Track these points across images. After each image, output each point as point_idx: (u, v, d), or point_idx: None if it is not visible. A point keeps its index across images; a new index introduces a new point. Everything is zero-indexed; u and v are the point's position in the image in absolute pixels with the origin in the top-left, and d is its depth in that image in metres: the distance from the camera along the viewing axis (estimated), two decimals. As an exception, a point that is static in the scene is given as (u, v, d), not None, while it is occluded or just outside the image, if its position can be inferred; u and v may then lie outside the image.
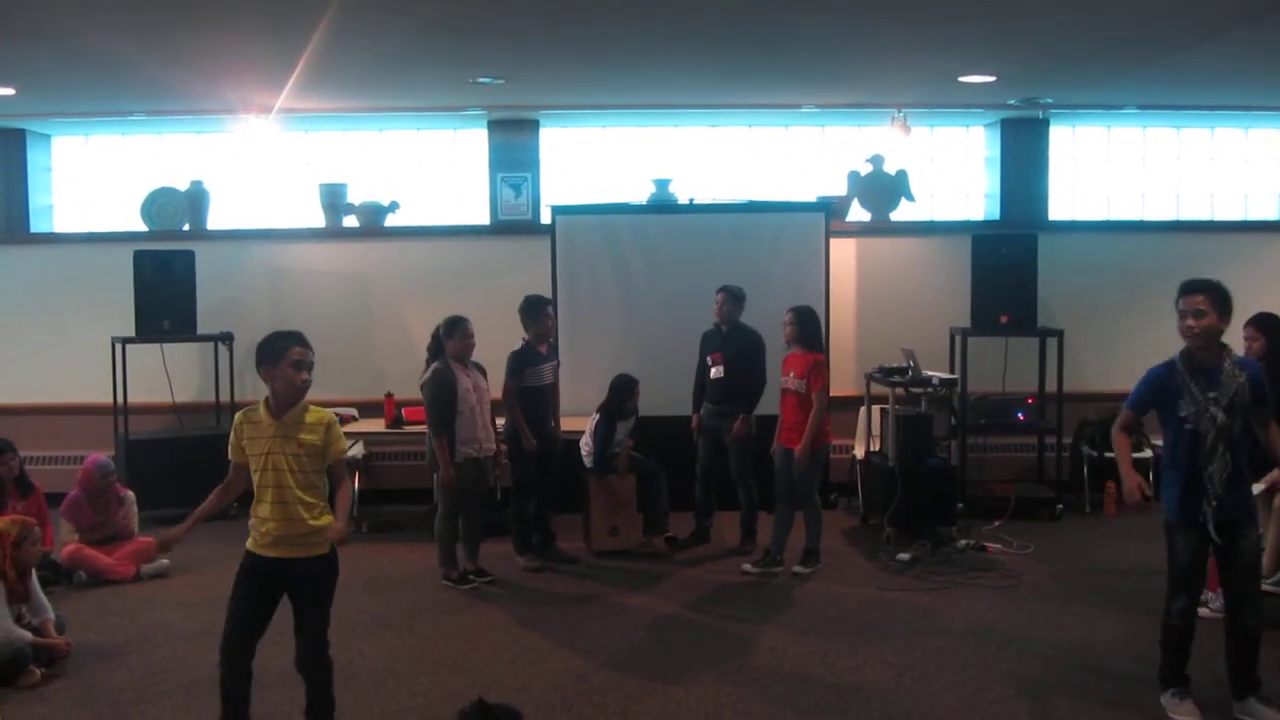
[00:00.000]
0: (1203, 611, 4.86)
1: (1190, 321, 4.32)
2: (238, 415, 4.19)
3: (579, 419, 7.52)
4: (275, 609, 4.16)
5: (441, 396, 6.50)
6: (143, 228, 9.16)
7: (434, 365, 6.61)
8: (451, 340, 6.59)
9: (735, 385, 7.23)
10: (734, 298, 7.30)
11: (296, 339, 4.13)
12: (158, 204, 9.18)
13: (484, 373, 6.80)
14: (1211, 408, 4.29)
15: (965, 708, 4.75)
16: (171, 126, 9.30)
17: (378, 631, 5.85)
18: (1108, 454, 8.52)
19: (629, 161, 9.51)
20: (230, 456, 4.19)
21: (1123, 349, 9.11)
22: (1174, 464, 4.45)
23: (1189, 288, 4.37)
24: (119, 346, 8.30)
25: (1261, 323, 5.96)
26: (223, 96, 7.92)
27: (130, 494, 7.15)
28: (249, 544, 4.14)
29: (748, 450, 7.26)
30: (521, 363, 6.97)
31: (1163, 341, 8.89)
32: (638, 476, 7.43)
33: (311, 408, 4.18)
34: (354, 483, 8.50)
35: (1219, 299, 4.32)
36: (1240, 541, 4.40)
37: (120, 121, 9.11)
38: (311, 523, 4.08)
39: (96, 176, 9.66)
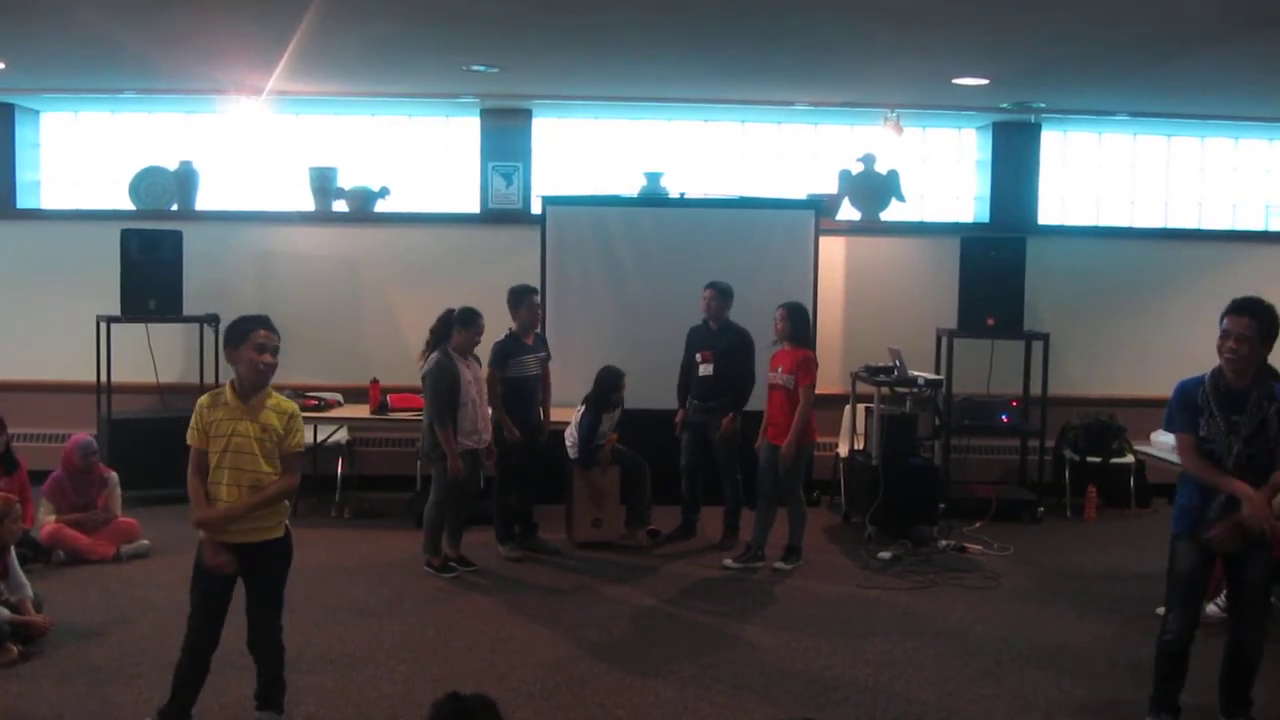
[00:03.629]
0: (1210, 609, 4.79)
1: (1231, 343, 4.08)
2: (202, 398, 4.17)
3: (565, 410, 7.52)
4: (233, 592, 4.18)
5: (445, 388, 6.48)
6: (130, 206, 9.11)
7: (435, 356, 6.58)
8: (467, 332, 6.58)
9: (724, 383, 7.24)
10: (723, 294, 7.30)
11: (261, 322, 4.13)
12: (146, 183, 9.13)
13: (479, 363, 6.81)
14: (1230, 436, 4.11)
15: (942, 707, 4.78)
16: (162, 105, 9.24)
17: (358, 618, 5.84)
18: (1090, 458, 8.60)
19: (621, 154, 9.50)
20: (189, 440, 4.12)
21: (1107, 354, 9.19)
22: (1187, 478, 4.32)
23: (1238, 308, 4.11)
24: (104, 325, 8.26)
25: None
26: (213, 77, 7.88)
27: (113, 474, 7.11)
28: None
29: (735, 447, 7.27)
30: (505, 352, 6.97)
31: (1148, 347, 9.08)
32: (621, 469, 7.44)
33: (277, 395, 4.19)
34: (337, 468, 8.55)
35: (1265, 326, 4.07)
36: (1251, 566, 4.22)
37: (110, 99, 9.05)
38: (272, 509, 4.14)
39: (85, 153, 9.60)
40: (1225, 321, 4.13)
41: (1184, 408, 4.24)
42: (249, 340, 4.06)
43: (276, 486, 4.13)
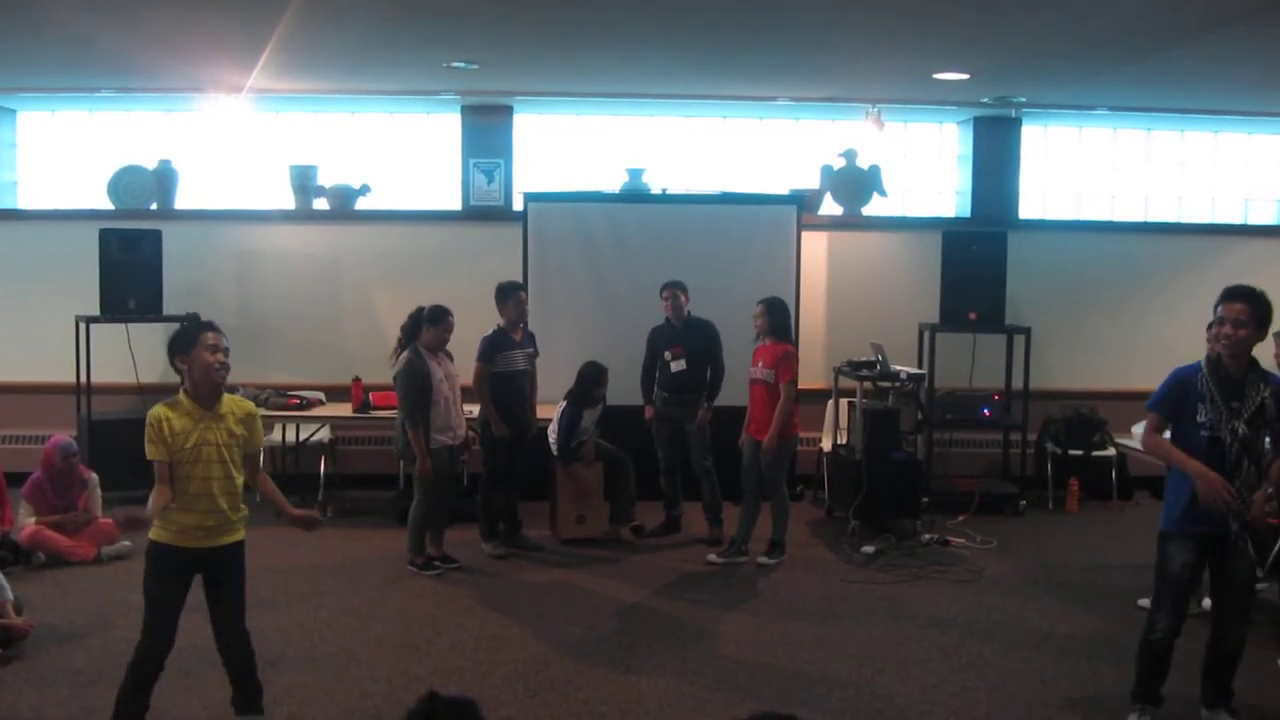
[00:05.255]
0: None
1: (1228, 329, 4.13)
2: (156, 412, 4.00)
3: (548, 406, 7.51)
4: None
5: (416, 387, 6.47)
6: (109, 206, 9.04)
7: (405, 355, 6.57)
8: (435, 329, 6.56)
9: (697, 376, 7.28)
10: (683, 289, 7.38)
11: (209, 325, 4.08)
12: (125, 182, 9.06)
13: (452, 359, 6.79)
14: (1233, 419, 4.13)
15: (926, 699, 4.79)
16: (140, 104, 9.18)
17: (341, 616, 5.82)
18: (1072, 451, 8.64)
19: (603, 150, 9.49)
20: (154, 456, 3.96)
21: (1088, 348, 9.22)
22: (1177, 474, 4.25)
23: (1232, 295, 4.17)
24: (83, 325, 8.20)
25: None
26: (192, 75, 7.83)
27: (94, 476, 7.06)
28: (166, 538, 4.02)
29: (707, 439, 7.29)
30: (493, 347, 6.97)
31: (1128, 341, 9.12)
32: (604, 465, 7.43)
33: (231, 397, 4.15)
34: (320, 466, 8.52)
35: (1259, 310, 4.14)
36: (1238, 559, 4.22)
37: (88, 97, 8.98)
38: (237, 512, 4.12)
39: (63, 153, 9.52)
40: (1220, 308, 4.18)
41: (1177, 394, 4.26)
42: (200, 343, 3.98)
43: (268, 486, 4.22)
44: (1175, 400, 4.26)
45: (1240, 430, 4.13)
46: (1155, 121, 9.56)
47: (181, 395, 4.05)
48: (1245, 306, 4.13)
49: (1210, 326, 4.27)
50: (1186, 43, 6.57)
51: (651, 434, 7.55)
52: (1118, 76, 7.68)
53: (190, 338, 4.02)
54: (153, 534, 4.05)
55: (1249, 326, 4.12)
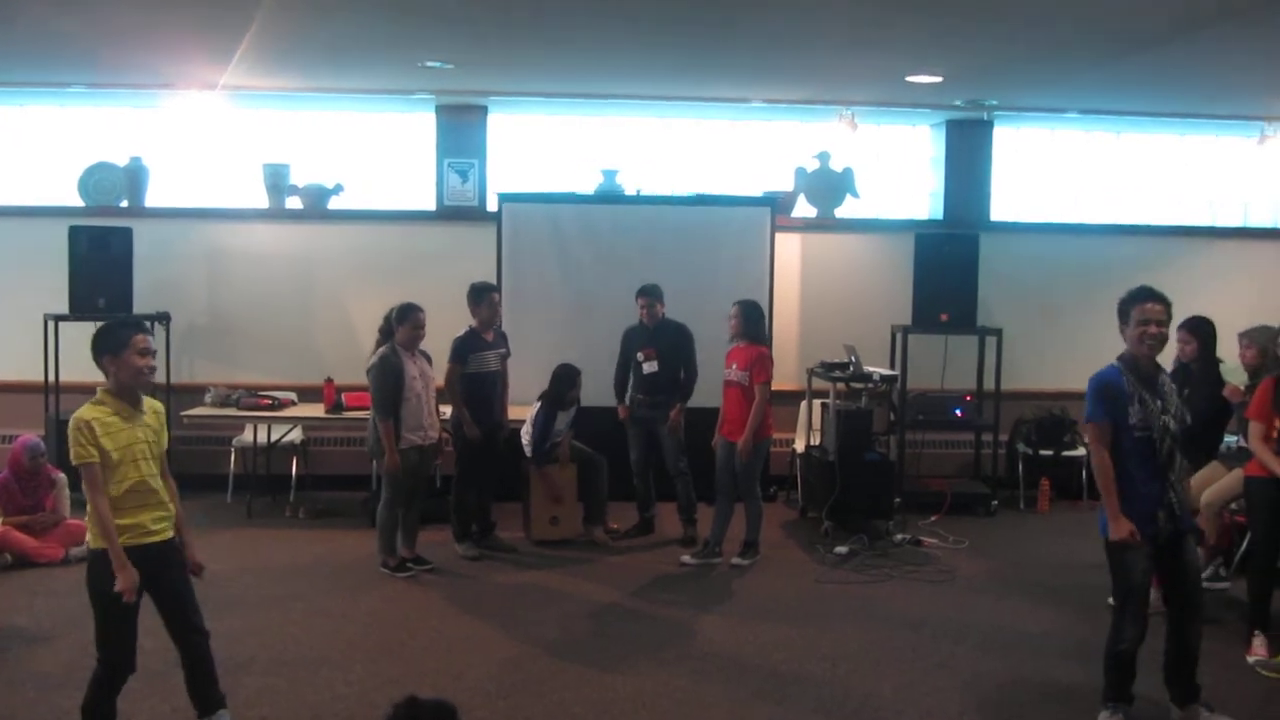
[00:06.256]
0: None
1: (1154, 329, 4.24)
2: (85, 414, 3.87)
3: (521, 408, 7.50)
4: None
5: (387, 382, 6.45)
6: (79, 203, 8.94)
7: (381, 350, 6.57)
8: (403, 327, 6.55)
9: (670, 378, 7.30)
10: (658, 297, 7.38)
11: (139, 326, 4.01)
12: (95, 179, 8.96)
13: (429, 360, 6.77)
14: (1163, 415, 4.22)
15: (899, 699, 4.82)
16: (111, 99, 9.08)
17: (313, 618, 5.79)
18: (1042, 451, 8.71)
19: (577, 151, 9.47)
20: (85, 459, 3.81)
21: (1059, 349, 9.29)
22: (1124, 475, 4.27)
23: (1150, 295, 4.28)
24: (51, 323, 8.13)
25: (1194, 327, 6.24)
26: (164, 72, 7.77)
27: (62, 476, 6.99)
28: (126, 541, 3.91)
29: (681, 440, 7.30)
30: (464, 348, 6.96)
31: (1098, 343, 9.14)
32: (578, 466, 7.43)
33: (147, 398, 4.08)
34: (292, 467, 8.47)
35: (1170, 309, 4.33)
36: (1186, 555, 4.34)
37: (58, 93, 8.87)
38: (168, 508, 4.05)
39: (32, 148, 9.41)
40: (1142, 310, 4.27)
41: (1108, 397, 4.29)
42: (131, 346, 3.90)
43: (174, 490, 4.12)
44: (1111, 404, 4.28)
45: (1170, 426, 4.24)
46: (1124, 124, 9.64)
47: (105, 395, 3.94)
48: (1165, 307, 4.31)
49: (1126, 328, 4.33)
50: (1154, 47, 6.64)
51: (626, 434, 7.56)
52: (1087, 80, 7.76)
53: (121, 339, 3.91)
54: (99, 543, 3.88)
55: (1167, 325, 4.32)
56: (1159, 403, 4.25)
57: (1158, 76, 7.60)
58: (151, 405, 4.10)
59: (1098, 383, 4.33)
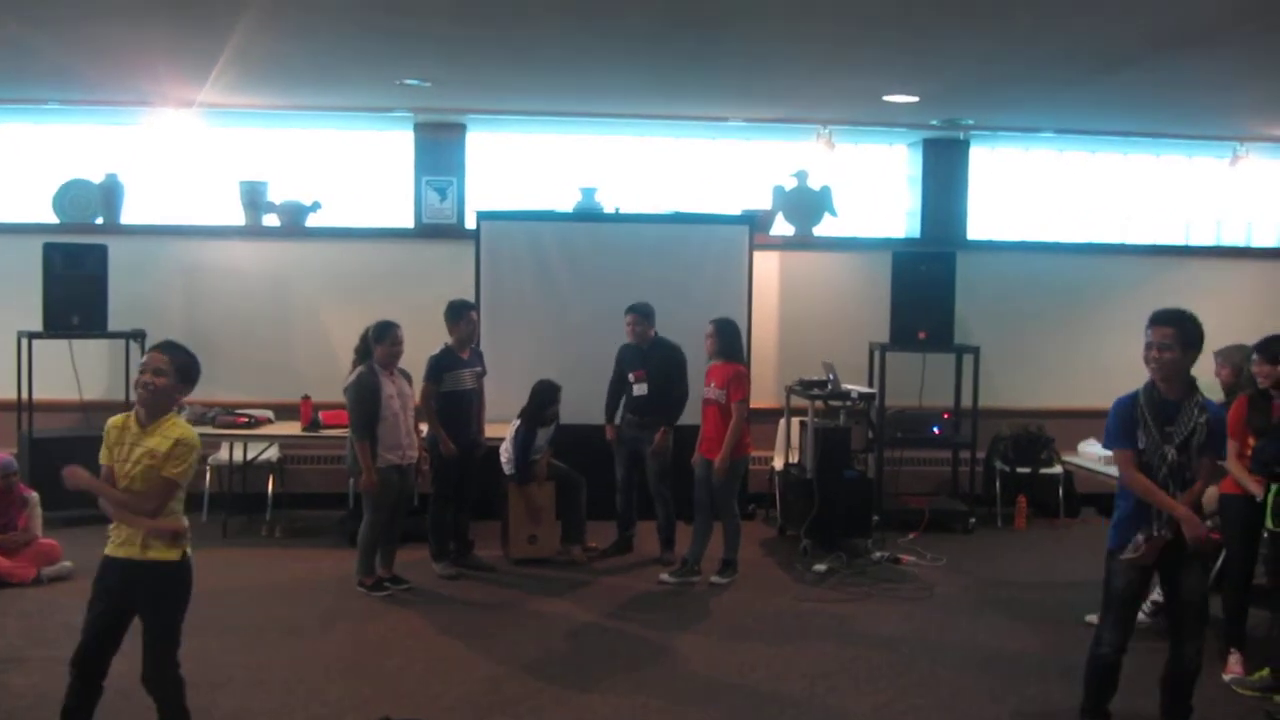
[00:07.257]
0: (1140, 617, 4.89)
1: (1154, 353, 4.21)
2: (114, 419, 4.10)
3: (500, 425, 7.48)
4: (129, 621, 4.01)
5: (364, 401, 6.42)
6: (54, 219, 8.88)
7: (358, 369, 6.54)
8: (381, 345, 6.52)
9: (659, 400, 7.27)
10: (645, 316, 7.34)
11: (157, 346, 4.16)
12: (70, 195, 8.90)
13: (409, 379, 6.74)
14: (1165, 445, 4.19)
15: (878, 716, 4.82)
16: (87, 116, 9.02)
17: (289, 638, 5.74)
18: (1019, 468, 8.75)
19: (556, 168, 9.48)
20: (102, 460, 4.08)
21: (1036, 367, 9.36)
22: (1125, 493, 4.33)
23: (1158, 319, 4.24)
24: (25, 341, 8.05)
25: (1231, 354, 6.11)
26: (141, 89, 7.72)
27: (34, 494, 6.91)
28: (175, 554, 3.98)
29: (666, 462, 7.29)
30: (440, 366, 6.93)
31: (1074, 360, 9.26)
32: (557, 485, 7.41)
33: (178, 423, 4.05)
34: (268, 486, 8.42)
35: (1186, 333, 4.19)
36: (1188, 578, 4.29)
37: (33, 109, 8.82)
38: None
39: (6, 165, 9.35)
40: (1149, 333, 4.25)
41: (1122, 423, 4.30)
42: (143, 365, 4.04)
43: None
44: (1126, 429, 4.28)
45: (1170, 455, 4.19)
46: (1099, 144, 9.73)
47: (133, 410, 4.06)
48: (1171, 330, 4.20)
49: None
50: (1128, 68, 6.70)
51: (604, 453, 7.53)
52: (1062, 100, 7.83)
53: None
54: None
55: (1175, 349, 4.18)
56: (1168, 430, 4.19)
57: (1131, 97, 7.68)
58: (170, 430, 3.98)
59: (1114, 408, 4.36)
